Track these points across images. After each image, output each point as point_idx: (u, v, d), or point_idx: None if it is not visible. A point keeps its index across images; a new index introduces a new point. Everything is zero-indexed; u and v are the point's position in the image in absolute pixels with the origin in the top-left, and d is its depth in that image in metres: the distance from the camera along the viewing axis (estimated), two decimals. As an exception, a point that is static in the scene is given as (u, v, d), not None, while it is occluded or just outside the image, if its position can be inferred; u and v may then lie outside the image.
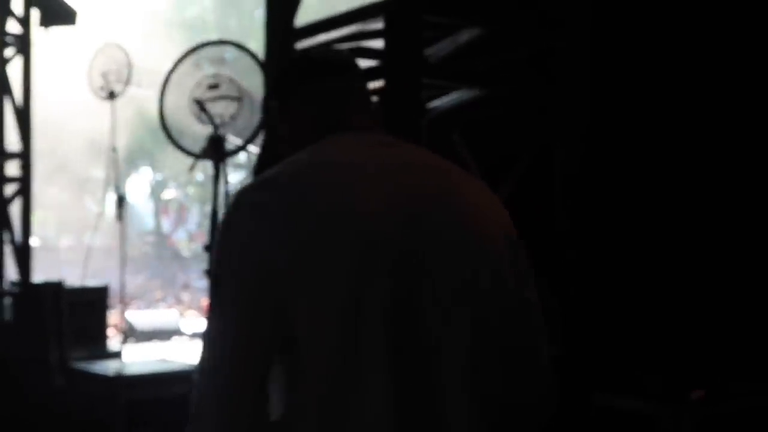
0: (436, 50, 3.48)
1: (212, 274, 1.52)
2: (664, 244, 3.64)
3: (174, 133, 4.15)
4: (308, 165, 1.53)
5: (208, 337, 1.48)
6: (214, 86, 4.00)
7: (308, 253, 1.42)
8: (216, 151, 3.70)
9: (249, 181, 1.56)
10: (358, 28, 3.07)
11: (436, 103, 3.63)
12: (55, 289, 6.31)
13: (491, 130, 3.49)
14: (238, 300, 1.44)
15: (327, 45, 2.92)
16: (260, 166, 1.97)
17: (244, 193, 1.53)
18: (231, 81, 4.00)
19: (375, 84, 3.02)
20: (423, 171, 1.59)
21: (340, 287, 1.41)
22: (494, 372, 1.56)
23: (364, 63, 3.07)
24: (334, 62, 1.73)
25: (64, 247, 32.28)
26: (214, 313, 1.48)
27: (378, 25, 2.98)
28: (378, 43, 3.09)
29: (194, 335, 14.11)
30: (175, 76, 4.20)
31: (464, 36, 3.25)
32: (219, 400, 1.43)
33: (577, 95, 3.27)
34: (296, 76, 1.71)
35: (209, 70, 4.16)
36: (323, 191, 1.47)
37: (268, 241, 1.42)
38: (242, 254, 1.45)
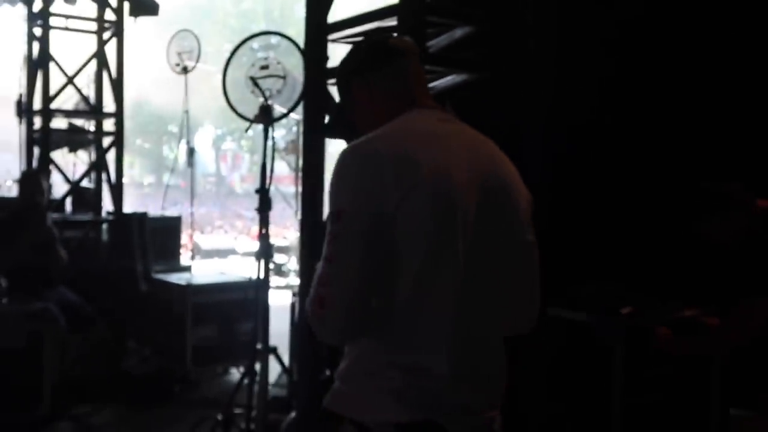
0: (436, 43, 3.44)
1: (333, 208, 1.51)
2: (603, 199, 3.64)
3: (233, 102, 4.10)
4: (405, 131, 1.56)
5: (335, 253, 1.49)
6: (264, 66, 3.94)
7: (412, 194, 1.47)
8: (265, 117, 3.67)
9: (359, 139, 1.55)
10: (376, 25, 3.01)
11: (435, 84, 3.59)
12: (140, 217, 6.32)
13: (476, 106, 3.45)
14: (359, 227, 1.47)
15: (386, 31, 2.76)
16: (334, 125, 1.92)
17: (359, 147, 1.53)
18: (278, 62, 3.94)
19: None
20: (477, 140, 1.66)
21: (432, 217, 1.49)
22: (519, 287, 1.70)
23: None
24: (408, 48, 1.70)
25: (147, 184, 32.26)
26: (339, 235, 1.49)
27: (392, 22, 2.91)
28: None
29: (245, 253, 14.18)
30: (235, 58, 4.14)
31: (458, 33, 3.20)
32: (347, 293, 1.49)
33: (543, 83, 3.23)
34: (379, 57, 1.68)
35: (261, 53, 4.10)
36: (421, 150, 1.50)
37: (381, 184, 1.46)
38: (361, 193, 1.48)
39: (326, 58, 3.24)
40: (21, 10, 6.88)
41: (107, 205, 6.98)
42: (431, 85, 3.54)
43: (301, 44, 3.76)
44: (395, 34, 2.99)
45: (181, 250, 7.36)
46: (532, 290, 1.74)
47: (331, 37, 3.25)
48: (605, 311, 3.28)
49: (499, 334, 1.66)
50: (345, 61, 1.74)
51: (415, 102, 1.65)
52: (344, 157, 1.53)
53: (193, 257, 7.57)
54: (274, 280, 8.47)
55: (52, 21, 6.77)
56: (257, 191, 3.63)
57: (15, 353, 4.43)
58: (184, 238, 7.67)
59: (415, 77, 1.68)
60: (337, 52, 3.25)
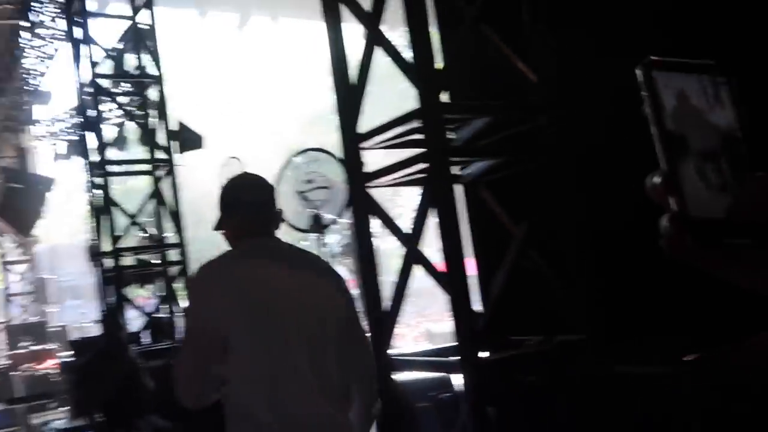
0: (460, 135, 3.83)
1: (185, 317, 2.44)
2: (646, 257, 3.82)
3: (288, 216, 4.54)
4: (233, 256, 2.38)
5: (181, 346, 2.39)
6: (309, 180, 4.42)
7: (236, 303, 2.21)
8: (318, 225, 4.10)
9: (208, 260, 2.35)
10: (403, 129, 3.39)
11: (468, 171, 3.97)
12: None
13: (508, 186, 3.80)
14: (195, 327, 2.31)
15: (414, 132, 3.39)
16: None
17: (201, 269, 2.34)
18: (322, 175, 4.41)
19: (422, 165, 3.36)
20: (292, 259, 2.42)
21: (250, 322, 2.21)
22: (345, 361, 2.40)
23: (414, 150, 3.40)
24: (251, 196, 2.44)
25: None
26: (185, 332, 2.37)
27: (417, 124, 3.30)
28: (419, 136, 3.40)
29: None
30: (283, 175, 4.62)
31: (478, 123, 3.59)
32: (185, 378, 2.29)
33: (563, 159, 3.56)
34: (230, 202, 2.45)
35: (307, 167, 4.57)
36: (240, 272, 2.29)
37: (212, 298, 2.24)
38: (198, 303, 2.34)
39: (362, 165, 3.63)
40: (80, 162, 7.65)
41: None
42: (466, 171, 3.91)
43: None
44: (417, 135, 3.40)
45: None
46: (365, 370, 2.52)
47: (363, 145, 3.64)
48: (670, 361, 3.43)
49: (315, 390, 2.25)
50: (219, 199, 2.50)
51: (251, 232, 2.40)
52: (194, 274, 2.40)
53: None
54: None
55: (109, 168, 7.50)
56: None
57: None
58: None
59: (254, 214, 2.42)
60: (370, 159, 3.69)
